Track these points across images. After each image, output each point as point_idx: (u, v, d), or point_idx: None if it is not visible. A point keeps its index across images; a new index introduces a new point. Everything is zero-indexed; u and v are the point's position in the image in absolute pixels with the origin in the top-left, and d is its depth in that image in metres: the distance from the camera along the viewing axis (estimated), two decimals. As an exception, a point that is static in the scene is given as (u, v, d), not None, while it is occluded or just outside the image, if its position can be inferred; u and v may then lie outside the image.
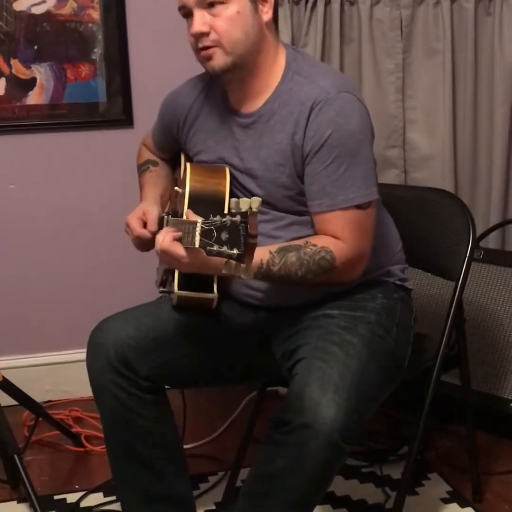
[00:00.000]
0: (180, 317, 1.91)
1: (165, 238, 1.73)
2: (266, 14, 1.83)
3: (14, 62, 2.69)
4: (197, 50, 1.82)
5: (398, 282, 1.99)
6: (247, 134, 1.89)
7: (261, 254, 1.72)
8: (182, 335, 1.90)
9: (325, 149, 1.78)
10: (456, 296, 2.07)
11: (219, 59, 1.80)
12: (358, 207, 1.80)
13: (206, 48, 1.80)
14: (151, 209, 1.98)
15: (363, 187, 1.79)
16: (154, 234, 1.94)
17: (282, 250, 1.76)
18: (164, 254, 1.74)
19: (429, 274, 2.50)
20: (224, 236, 1.46)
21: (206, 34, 1.78)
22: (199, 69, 1.96)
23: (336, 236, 1.79)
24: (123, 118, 2.80)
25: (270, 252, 1.75)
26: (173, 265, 1.80)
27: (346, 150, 1.77)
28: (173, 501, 1.93)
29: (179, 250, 1.70)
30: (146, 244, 1.97)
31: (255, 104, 1.88)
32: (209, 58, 1.81)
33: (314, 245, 1.77)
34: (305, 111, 1.79)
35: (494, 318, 2.52)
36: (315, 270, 1.76)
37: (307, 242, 1.78)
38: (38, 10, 2.66)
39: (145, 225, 1.96)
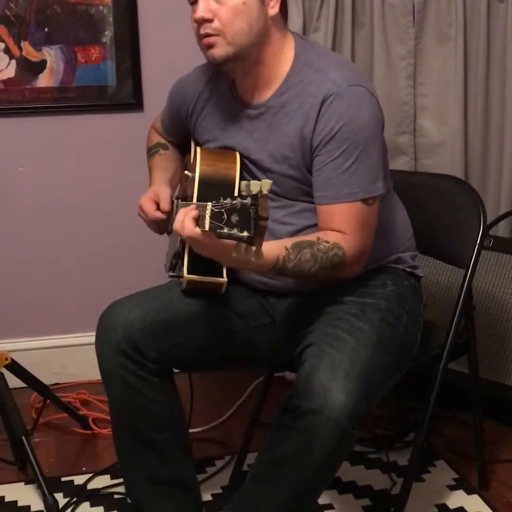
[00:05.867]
0: (189, 301, 1.91)
1: (185, 222, 1.60)
2: (272, 9, 1.81)
3: (25, 45, 2.68)
4: (199, 37, 1.80)
5: (408, 269, 1.99)
6: (255, 126, 1.88)
7: (277, 250, 1.69)
8: (190, 319, 1.90)
9: (335, 141, 1.77)
10: (465, 284, 2.06)
11: (220, 49, 1.78)
12: (364, 201, 1.78)
13: (208, 36, 1.78)
14: (162, 189, 1.99)
15: (368, 182, 1.78)
16: (168, 213, 1.95)
17: (297, 246, 1.72)
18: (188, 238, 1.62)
19: (438, 261, 2.49)
20: (235, 218, 1.44)
21: (209, 21, 1.76)
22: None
23: (341, 231, 1.77)
24: (133, 102, 2.79)
25: (286, 248, 1.71)
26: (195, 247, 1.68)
27: (355, 144, 1.76)
28: (176, 484, 1.94)
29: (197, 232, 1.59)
30: (161, 226, 1.98)
31: (263, 95, 1.86)
32: (210, 46, 1.79)
33: (327, 242, 1.75)
34: (315, 105, 1.78)
35: (503, 306, 2.51)
36: (328, 266, 1.75)
37: (319, 239, 1.75)
38: (48, -8, 2.66)
39: (158, 206, 1.96)
